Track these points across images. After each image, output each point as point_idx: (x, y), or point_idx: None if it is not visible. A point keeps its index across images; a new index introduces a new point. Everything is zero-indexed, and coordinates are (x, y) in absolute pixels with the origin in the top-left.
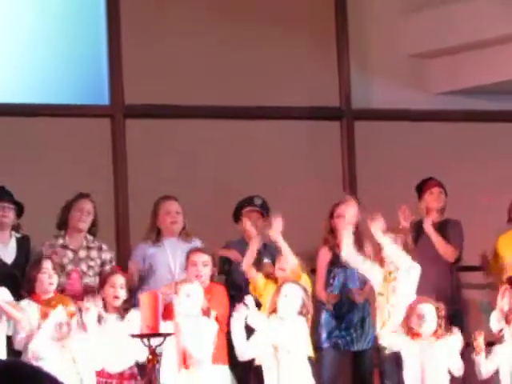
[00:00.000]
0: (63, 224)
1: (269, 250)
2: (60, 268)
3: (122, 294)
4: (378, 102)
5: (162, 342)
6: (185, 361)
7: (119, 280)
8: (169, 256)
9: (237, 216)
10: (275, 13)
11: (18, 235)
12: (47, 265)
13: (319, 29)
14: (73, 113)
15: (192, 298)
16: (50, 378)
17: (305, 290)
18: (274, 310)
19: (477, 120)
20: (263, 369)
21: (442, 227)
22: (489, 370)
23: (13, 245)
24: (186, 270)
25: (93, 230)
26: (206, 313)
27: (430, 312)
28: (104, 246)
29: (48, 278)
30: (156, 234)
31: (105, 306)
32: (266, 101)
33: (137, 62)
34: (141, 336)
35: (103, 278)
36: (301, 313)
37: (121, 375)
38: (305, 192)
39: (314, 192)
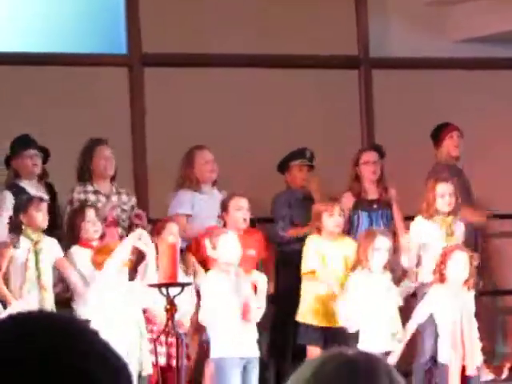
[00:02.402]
0: (86, 172)
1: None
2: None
3: (179, 241)
4: (396, 51)
5: (181, 292)
6: (245, 314)
7: (174, 228)
8: (214, 202)
9: (283, 166)
10: None
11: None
12: (91, 213)
13: None
14: (90, 62)
15: (232, 248)
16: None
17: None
18: (360, 263)
19: (495, 67)
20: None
21: (457, 173)
22: None
23: (43, 191)
24: (224, 217)
25: (114, 174)
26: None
27: (464, 260)
28: (129, 192)
29: (92, 226)
30: (195, 183)
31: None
32: (283, 49)
33: (154, 11)
34: (159, 285)
35: (160, 226)
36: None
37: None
38: (323, 140)
39: (331, 140)
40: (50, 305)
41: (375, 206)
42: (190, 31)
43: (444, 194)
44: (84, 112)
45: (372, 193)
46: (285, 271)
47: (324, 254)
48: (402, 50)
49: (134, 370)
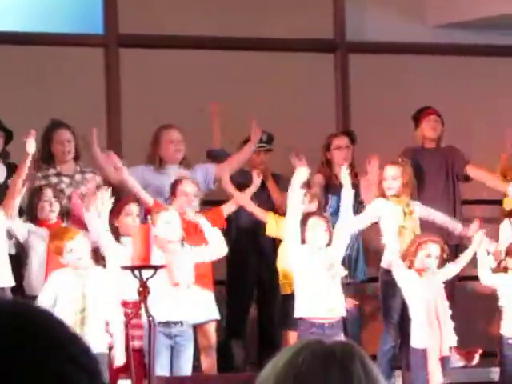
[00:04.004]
0: (48, 155)
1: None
2: (59, 194)
3: (138, 222)
4: (373, 35)
5: (154, 274)
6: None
7: (135, 208)
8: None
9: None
10: None
11: (6, 161)
12: (48, 193)
13: None
14: (66, 42)
15: (171, 225)
16: (62, 326)
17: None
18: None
19: (473, 54)
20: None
21: (436, 155)
22: None
23: (1, 167)
24: (172, 200)
25: (77, 155)
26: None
27: (436, 252)
28: (95, 171)
29: (49, 206)
30: (158, 162)
31: (118, 234)
32: (260, 32)
33: None
34: (132, 268)
35: (118, 207)
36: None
37: (136, 304)
38: (297, 125)
39: (306, 125)
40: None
41: None
42: (166, 12)
43: (387, 177)
44: (59, 92)
45: None
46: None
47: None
48: (379, 34)
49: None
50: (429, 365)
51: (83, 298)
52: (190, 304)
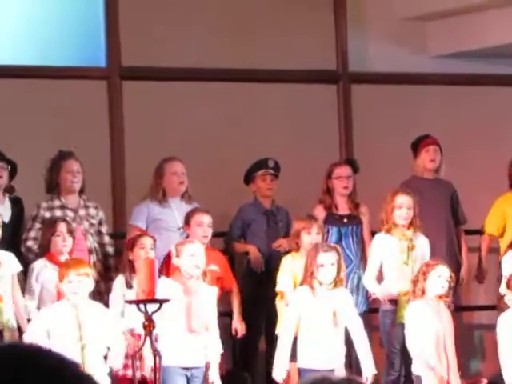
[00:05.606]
0: (54, 186)
1: (280, 213)
2: (73, 229)
3: (152, 255)
4: (375, 66)
5: (159, 308)
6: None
7: (148, 241)
8: (176, 216)
9: (248, 177)
10: None
11: (11, 196)
12: (62, 228)
13: None
14: (70, 75)
15: (196, 258)
16: (75, 367)
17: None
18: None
19: (473, 83)
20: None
21: (436, 186)
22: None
23: (7, 205)
24: (186, 230)
25: (82, 188)
26: (204, 275)
27: (446, 274)
28: (97, 205)
29: (62, 241)
30: (162, 195)
31: (132, 269)
32: (263, 64)
33: (134, 24)
34: (137, 302)
35: (132, 241)
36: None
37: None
38: (301, 155)
39: (310, 155)
40: (8, 314)
41: (345, 221)
42: (169, 45)
43: (402, 205)
44: (63, 124)
45: (343, 208)
46: (247, 281)
47: (297, 274)
48: (380, 64)
49: None
50: None
51: (79, 328)
52: (204, 347)
